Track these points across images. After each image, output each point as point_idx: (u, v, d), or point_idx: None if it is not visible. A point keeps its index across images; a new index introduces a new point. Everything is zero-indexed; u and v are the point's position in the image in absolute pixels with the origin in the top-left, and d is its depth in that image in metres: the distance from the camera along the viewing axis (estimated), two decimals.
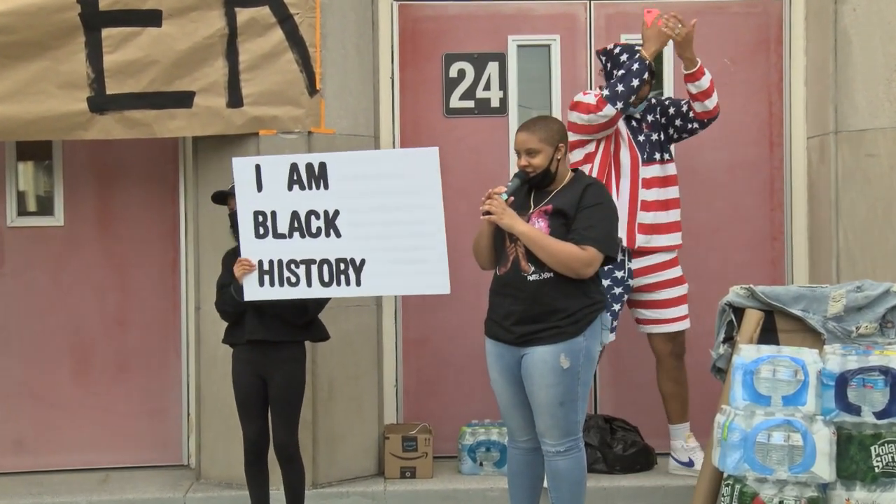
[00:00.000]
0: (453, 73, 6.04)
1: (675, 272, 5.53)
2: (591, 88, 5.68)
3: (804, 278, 5.94)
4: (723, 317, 5.12)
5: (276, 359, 4.67)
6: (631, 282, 5.45)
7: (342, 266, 4.39)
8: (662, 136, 5.49)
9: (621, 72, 5.29)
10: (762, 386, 4.59)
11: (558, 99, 6.02)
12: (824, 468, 4.46)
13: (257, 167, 4.42)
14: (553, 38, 6.03)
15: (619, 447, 5.66)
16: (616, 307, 5.43)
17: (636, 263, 5.46)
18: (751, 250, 5.89)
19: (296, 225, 4.39)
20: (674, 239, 5.52)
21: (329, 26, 5.48)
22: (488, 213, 4.30)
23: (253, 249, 4.48)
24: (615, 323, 5.47)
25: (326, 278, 4.42)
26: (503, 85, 6.04)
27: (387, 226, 4.35)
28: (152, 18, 5.26)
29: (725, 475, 4.65)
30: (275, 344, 4.66)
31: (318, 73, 5.43)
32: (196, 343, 5.71)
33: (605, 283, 5.33)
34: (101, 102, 5.25)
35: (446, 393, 6.01)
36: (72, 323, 5.87)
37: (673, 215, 5.50)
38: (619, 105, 5.25)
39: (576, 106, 5.37)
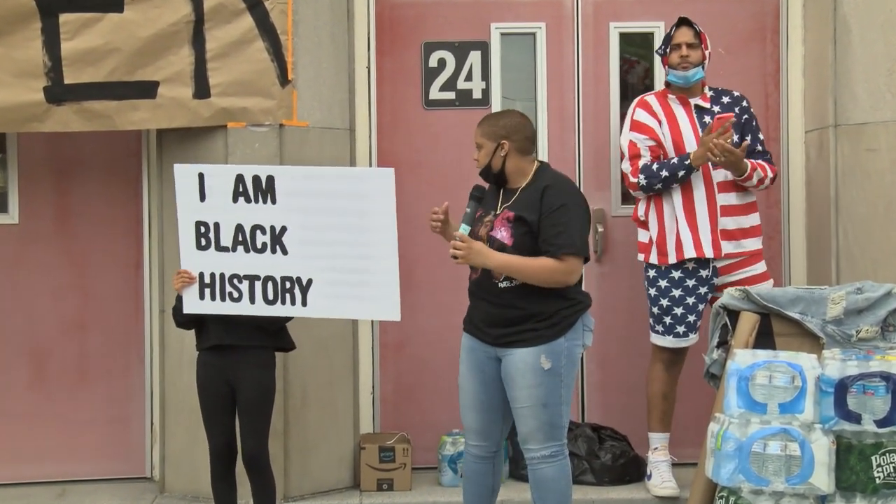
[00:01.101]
0: (433, 62, 6.03)
1: (761, 267, 5.49)
2: (623, 125, 5.60)
3: (802, 279, 5.96)
4: (717, 320, 5.13)
5: (245, 364, 4.66)
6: (716, 280, 5.43)
7: (287, 284, 4.40)
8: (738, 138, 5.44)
9: (665, 172, 5.34)
10: (758, 393, 4.60)
11: (544, 90, 6.02)
12: (823, 479, 4.48)
13: (200, 176, 4.42)
14: (538, 26, 6.03)
15: (608, 457, 5.67)
16: (700, 307, 5.44)
17: (720, 281, 5.43)
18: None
19: (240, 238, 4.39)
20: (758, 243, 5.50)
21: (301, 13, 5.47)
22: (454, 257, 4.34)
23: (194, 261, 4.49)
24: (699, 323, 5.46)
25: (271, 296, 4.43)
26: (486, 75, 6.03)
27: (336, 246, 4.35)
28: (113, 3, 5.24)
29: (719, 487, 4.66)
30: (243, 348, 4.65)
31: (289, 63, 5.42)
32: (160, 348, 5.69)
33: (691, 282, 5.37)
34: (58, 93, 5.22)
35: (426, 400, 6.00)
36: (27, 326, 5.84)
37: (753, 219, 5.49)
38: (649, 193, 5.41)
39: (623, 157, 5.52)
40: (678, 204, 5.41)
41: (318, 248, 4.35)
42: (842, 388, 4.55)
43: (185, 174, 4.46)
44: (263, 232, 4.35)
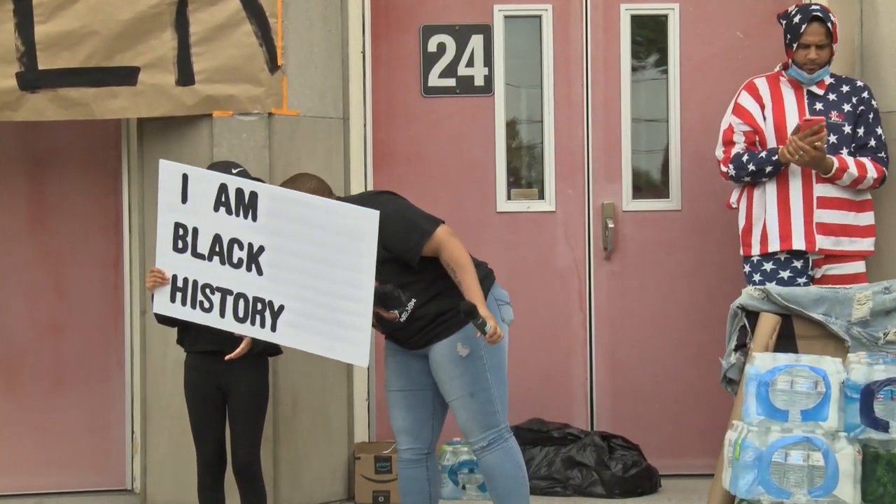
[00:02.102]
0: (432, 46, 6.01)
1: (856, 267, 5.43)
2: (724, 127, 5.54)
3: None
4: (734, 322, 5.10)
5: (238, 368, 4.64)
6: (811, 272, 5.38)
7: (259, 306, 4.42)
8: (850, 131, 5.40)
9: (752, 167, 5.32)
10: (778, 399, 4.57)
11: (550, 77, 6.01)
12: (848, 491, 4.45)
13: (184, 176, 4.41)
14: (544, 8, 6.01)
15: (619, 468, 5.65)
16: None
17: (818, 273, 5.39)
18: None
19: (217, 249, 4.41)
20: (865, 245, 5.43)
21: None
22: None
23: (169, 262, 4.49)
24: None
25: (241, 314, 4.44)
26: (488, 61, 6.01)
27: (310, 277, 4.36)
28: None
29: (737, 500, 4.64)
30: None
31: (279, 47, 5.40)
32: (141, 351, 5.67)
33: (785, 273, 5.34)
34: (32, 79, 5.20)
35: None
36: None
37: (864, 218, 5.42)
38: (740, 183, 5.42)
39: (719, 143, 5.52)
40: (770, 193, 5.37)
41: (292, 276, 4.38)
42: (868, 394, 4.52)
43: (169, 172, 4.46)
44: (241, 247, 4.38)
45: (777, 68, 5.55)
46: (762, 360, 4.66)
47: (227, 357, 4.50)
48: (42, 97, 5.22)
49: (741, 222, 5.46)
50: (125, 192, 5.82)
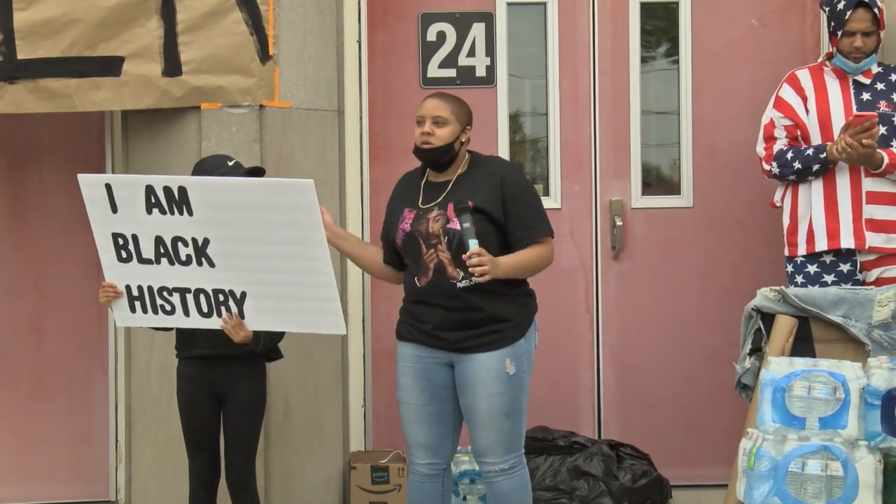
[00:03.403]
0: (431, 35, 6.03)
1: None
2: (768, 117, 5.53)
3: None
4: (749, 324, 5.12)
5: (236, 374, 4.67)
6: (860, 276, 5.36)
7: (221, 297, 4.47)
8: None
9: (798, 164, 5.31)
10: (795, 406, 4.58)
11: (555, 67, 6.01)
12: (868, 503, 4.46)
13: (108, 186, 4.44)
14: None
15: (627, 478, 5.66)
16: None
17: (871, 276, 5.37)
18: (782, 245, 5.88)
19: (162, 251, 4.44)
20: None
21: None
22: (479, 275, 4.38)
23: (118, 274, 4.54)
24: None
25: (205, 308, 4.50)
26: (490, 50, 6.03)
27: (264, 259, 4.40)
28: None
29: None
30: (235, 358, 4.65)
31: (270, 36, 5.41)
32: (126, 356, 5.68)
33: (829, 278, 5.35)
34: (10, 69, 5.20)
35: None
36: None
37: None
38: (784, 182, 5.42)
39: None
40: (816, 189, 5.36)
41: (244, 261, 4.42)
42: (890, 401, 4.54)
43: (91, 184, 4.49)
44: (185, 244, 4.41)
45: (821, 58, 5.55)
46: (778, 365, 4.68)
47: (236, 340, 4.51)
48: (21, 88, 5.22)
49: (785, 221, 5.45)
50: None
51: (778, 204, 5.51)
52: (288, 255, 4.37)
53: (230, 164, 4.68)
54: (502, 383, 4.46)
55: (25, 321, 5.88)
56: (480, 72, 6.04)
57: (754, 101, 5.89)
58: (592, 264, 6.04)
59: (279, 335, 4.73)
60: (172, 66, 5.35)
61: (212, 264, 4.41)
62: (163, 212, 4.38)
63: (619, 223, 5.98)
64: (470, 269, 4.36)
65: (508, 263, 4.45)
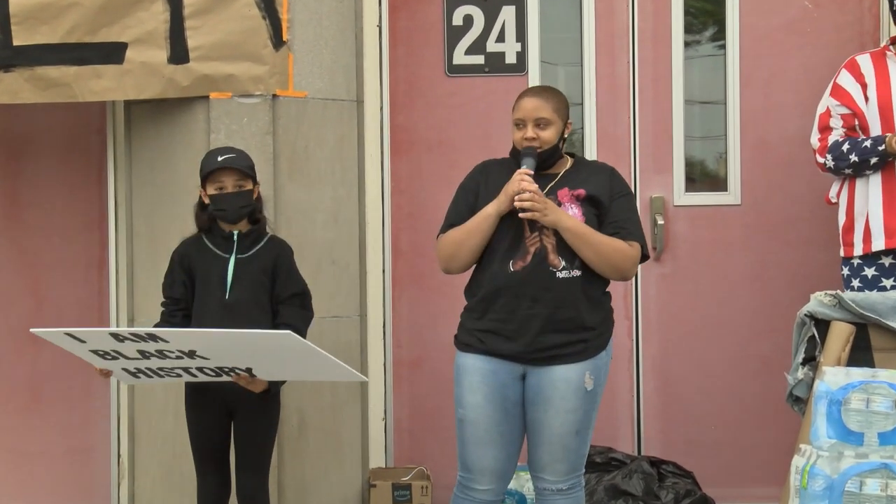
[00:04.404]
0: (457, 19, 6.04)
1: None
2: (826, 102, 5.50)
3: None
4: (802, 332, 5.10)
5: (248, 389, 4.66)
6: None
7: (226, 369, 4.51)
8: None
9: (854, 157, 5.28)
10: (852, 420, 4.56)
11: (592, 54, 6.02)
12: None
13: (69, 335, 4.43)
14: None
15: (670, 497, 5.65)
16: None
17: None
18: (837, 245, 5.85)
19: (148, 356, 4.45)
20: None
21: None
22: (525, 209, 4.35)
23: (108, 366, 4.58)
24: None
25: (212, 374, 4.54)
26: (521, 35, 6.03)
27: (264, 357, 4.44)
28: None
29: None
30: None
31: (284, 20, 5.42)
32: None
33: (888, 282, 5.31)
34: (6, 56, 5.23)
35: (449, 428, 5.96)
36: None
37: None
38: (837, 174, 5.39)
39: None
40: (874, 183, 5.33)
41: (243, 358, 4.44)
42: None
43: (48, 336, 4.48)
44: (171, 352, 4.41)
45: (884, 43, 5.52)
46: (834, 376, 4.65)
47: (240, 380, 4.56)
48: (17, 77, 5.25)
49: (841, 219, 5.42)
50: (111, 184, 5.82)
51: (833, 200, 5.47)
52: (288, 362, 4.45)
53: (219, 158, 4.71)
54: (578, 398, 4.43)
55: (21, 327, 5.87)
56: (510, 58, 6.04)
57: (808, 89, 5.88)
58: None
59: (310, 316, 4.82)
60: (179, 52, 5.36)
61: (205, 359, 4.43)
62: (135, 341, 4.38)
63: (660, 222, 5.97)
64: (517, 200, 4.32)
65: (571, 223, 4.38)
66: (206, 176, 4.72)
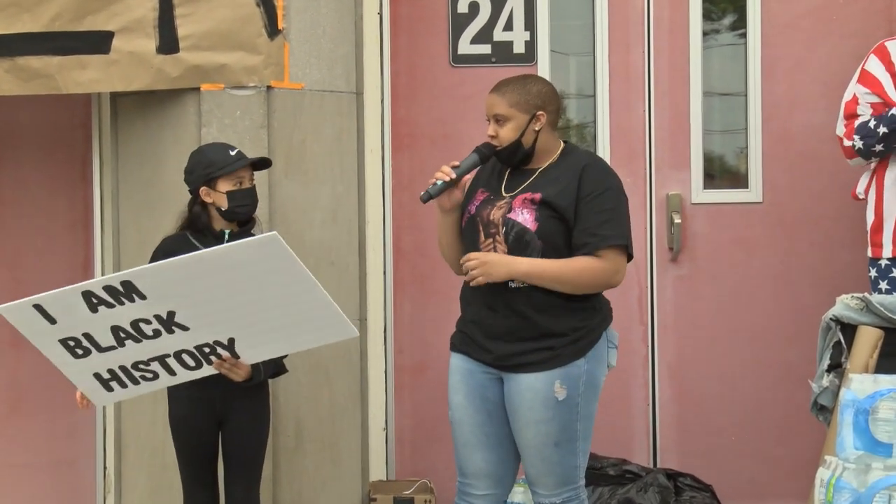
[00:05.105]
0: (463, 7, 6.05)
1: None
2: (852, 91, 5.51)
3: None
4: (827, 337, 5.10)
5: (237, 395, 4.68)
6: None
7: (206, 349, 4.47)
8: None
9: (883, 128, 5.27)
10: (881, 430, 4.56)
11: (604, 43, 6.03)
12: None
13: (37, 306, 4.38)
14: None
15: None
16: None
17: None
18: (865, 246, 5.85)
19: (123, 335, 4.41)
20: None
21: None
22: (471, 278, 4.40)
23: (79, 369, 4.50)
24: None
25: (192, 363, 4.49)
26: (530, 23, 6.04)
27: (245, 307, 4.39)
28: None
29: None
30: None
31: (280, 7, 5.43)
32: None
33: None
34: None
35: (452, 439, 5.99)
36: None
37: None
38: (872, 160, 5.35)
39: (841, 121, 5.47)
40: None
41: (224, 314, 4.39)
42: None
43: (16, 311, 4.41)
44: (148, 322, 4.38)
45: None
46: (861, 383, 4.65)
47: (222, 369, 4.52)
48: None
49: (869, 218, 5.41)
50: (96, 181, 5.83)
51: (861, 196, 5.46)
52: (270, 298, 4.36)
53: (231, 153, 4.69)
54: (549, 409, 4.41)
55: (1, 333, 5.89)
56: (519, 48, 6.04)
57: (833, 80, 5.87)
58: (647, 268, 6.03)
59: (279, 357, 4.74)
60: (168, 41, 5.36)
61: (185, 328, 4.40)
62: (110, 306, 4.33)
63: (677, 221, 5.96)
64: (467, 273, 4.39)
65: (524, 265, 4.37)
66: (221, 173, 4.70)
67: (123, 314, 4.35)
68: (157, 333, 4.39)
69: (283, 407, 5.46)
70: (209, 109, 5.39)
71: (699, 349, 6.01)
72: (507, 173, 4.55)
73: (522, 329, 4.42)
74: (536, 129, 4.48)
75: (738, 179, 6.11)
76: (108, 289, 4.32)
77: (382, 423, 5.94)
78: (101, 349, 4.43)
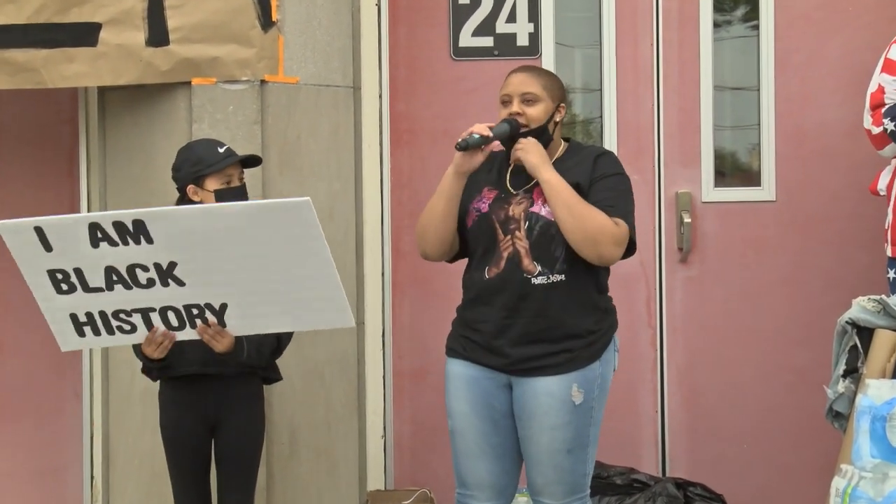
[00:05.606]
0: None
1: None
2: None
3: None
4: (843, 340, 5.09)
5: (231, 398, 4.68)
6: None
7: (195, 311, 4.43)
8: None
9: None
10: None
11: (612, 35, 6.03)
12: None
13: (38, 230, 4.35)
14: None
15: None
16: None
17: None
18: (883, 245, 5.85)
19: (114, 278, 4.37)
20: None
21: None
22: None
23: (57, 306, 4.44)
24: None
25: (175, 323, 4.46)
26: (534, 15, 6.05)
27: (249, 272, 4.35)
28: None
29: None
30: (228, 378, 4.67)
31: None
32: (103, 377, 5.72)
33: None
34: None
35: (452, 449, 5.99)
36: None
37: None
38: None
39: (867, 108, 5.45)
40: None
41: (224, 277, 4.36)
42: None
43: (13, 231, 4.36)
44: (145, 269, 4.35)
45: None
46: (878, 389, 4.65)
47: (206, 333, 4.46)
48: None
49: (889, 216, 5.40)
50: (83, 178, 5.84)
51: (882, 192, 5.45)
52: (280, 266, 4.33)
53: (220, 150, 4.67)
54: (566, 413, 4.42)
55: None
56: (522, 40, 6.04)
57: (849, 73, 5.88)
58: (655, 269, 6.03)
59: (268, 347, 4.71)
60: (158, 34, 5.36)
61: (180, 283, 4.37)
62: (113, 244, 4.30)
63: (686, 220, 5.96)
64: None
65: (549, 175, 4.36)
66: (209, 171, 4.70)
67: (124, 255, 4.31)
68: (150, 283, 4.35)
69: (276, 413, 5.46)
70: (200, 104, 5.39)
71: (709, 353, 6.01)
72: (508, 171, 4.55)
73: (543, 330, 4.42)
74: (557, 120, 4.53)
75: (750, 177, 6.11)
76: (118, 225, 4.28)
77: (381, 430, 5.95)
78: (87, 289, 4.38)
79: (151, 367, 4.62)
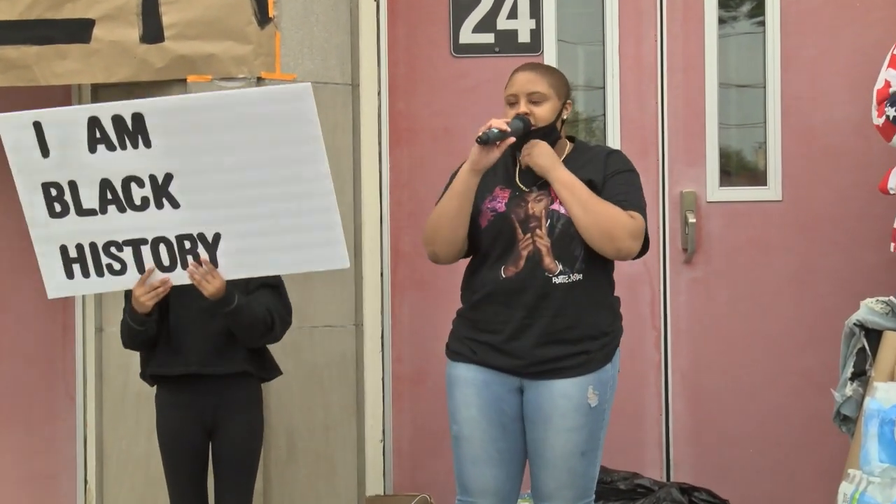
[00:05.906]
0: None
1: None
2: None
3: None
4: (851, 343, 5.10)
5: (229, 401, 4.68)
6: None
7: (187, 244, 4.41)
8: None
9: None
10: None
11: (615, 31, 6.04)
12: None
13: (37, 125, 4.36)
14: None
15: None
16: None
17: None
18: (890, 246, 5.86)
19: (109, 197, 4.37)
20: None
21: None
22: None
23: (49, 233, 4.44)
24: None
25: (166, 261, 4.43)
26: (536, 11, 6.05)
27: (245, 188, 4.34)
28: None
29: None
30: (226, 378, 4.66)
31: None
32: (97, 379, 5.71)
33: None
34: None
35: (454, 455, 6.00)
36: None
37: None
38: None
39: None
40: None
41: (219, 194, 4.35)
42: None
43: (14, 126, 4.38)
44: (141, 184, 4.34)
45: None
46: (886, 392, 4.65)
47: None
48: None
49: None
50: None
51: (892, 191, 5.45)
52: (277, 179, 4.30)
53: None
54: (581, 416, 4.41)
55: None
56: (524, 37, 6.05)
57: (857, 71, 5.89)
58: (659, 270, 6.03)
59: (262, 325, 4.66)
60: (153, 30, 5.37)
61: (175, 204, 4.36)
62: (111, 147, 4.31)
63: (691, 220, 5.97)
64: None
65: (564, 174, 4.38)
66: None
67: (120, 164, 4.31)
68: (144, 203, 4.35)
69: (274, 417, 5.46)
70: None
71: (715, 356, 6.02)
72: (516, 170, 4.53)
73: (562, 330, 4.41)
74: (564, 118, 4.53)
75: (756, 176, 6.11)
76: (117, 119, 4.29)
77: (380, 434, 5.95)
78: (80, 211, 4.38)
79: (139, 332, 4.58)
